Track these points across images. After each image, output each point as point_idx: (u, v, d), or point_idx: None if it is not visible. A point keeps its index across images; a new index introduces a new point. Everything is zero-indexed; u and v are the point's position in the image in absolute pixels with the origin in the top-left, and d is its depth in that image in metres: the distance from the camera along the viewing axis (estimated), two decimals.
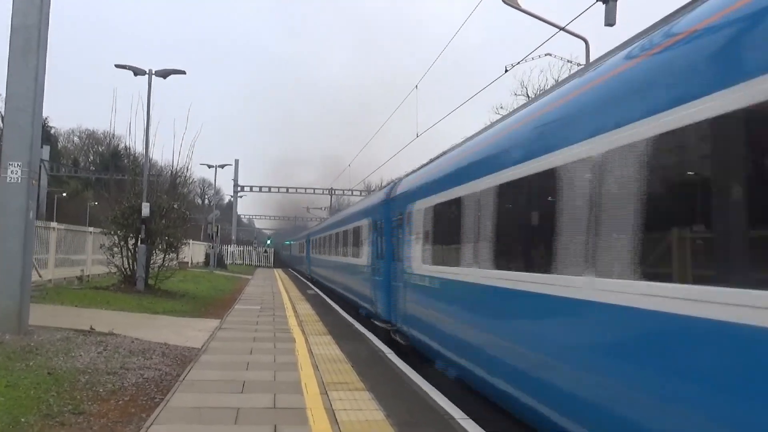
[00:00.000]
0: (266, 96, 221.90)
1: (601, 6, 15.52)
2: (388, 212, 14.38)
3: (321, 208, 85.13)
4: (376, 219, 15.80)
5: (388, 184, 18.17)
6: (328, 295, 25.74)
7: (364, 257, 17.56)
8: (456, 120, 73.39)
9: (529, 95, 40.88)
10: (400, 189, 13.72)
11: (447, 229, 9.40)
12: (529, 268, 6.32)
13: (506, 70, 21.39)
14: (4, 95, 12.10)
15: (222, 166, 54.18)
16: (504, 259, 7.02)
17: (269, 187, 73.42)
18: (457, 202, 8.68)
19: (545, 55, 29.24)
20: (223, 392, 7.72)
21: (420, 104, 24.59)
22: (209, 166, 52.62)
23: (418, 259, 10.96)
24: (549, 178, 5.74)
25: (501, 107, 42.47)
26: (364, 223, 17.77)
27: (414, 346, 11.60)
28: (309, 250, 40.02)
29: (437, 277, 9.70)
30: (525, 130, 6.89)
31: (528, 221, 6.64)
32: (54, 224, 21.56)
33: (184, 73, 23.06)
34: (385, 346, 12.07)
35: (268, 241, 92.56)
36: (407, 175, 14.29)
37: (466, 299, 8.28)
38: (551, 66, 62.87)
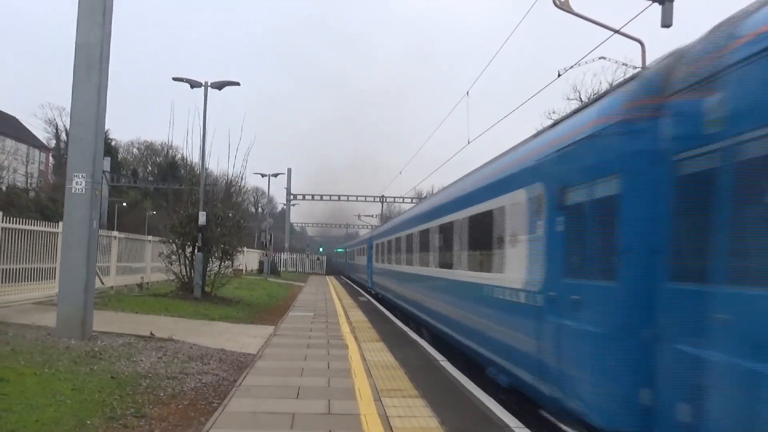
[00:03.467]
0: (314, 104, 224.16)
1: (658, 7, 15.17)
2: (371, 242, 32.96)
3: (372, 216, 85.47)
4: (368, 244, 34.29)
5: (373, 228, 42.33)
6: (381, 304, 25.83)
7: (365, 260, 36.50)
8: (508, 125, 72.75)
9: (582, 99, 40.19)
10: (373, 234, 34.54)
11: (382, 251, 26.35)
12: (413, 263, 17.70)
13: (559, 75, 21.07)
14: (68, 110, 12.56)
15: (275, 175, 54.97)
16: (402, 260, 20.23)
17: (321, 195, 74.13)
18: (384, 242, 26.05)
19: (599, 58, 28.55)
20: (278, 398, 7.82)
21: (471, 111, 24.44)
22: (262, 176, 53.43)
23: (375, 260, 29.47)
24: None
25: (553, 112, 41.88)
26: (365, 246, 37.29)
27: (378, 296, 28.60)
28: (347, 257, 59.76)
29: (381, 267, 26.74)
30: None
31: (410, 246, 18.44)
32: (115, 233, 22.26)
33: (238, 84, 23.50)
34: (438, 354, 12.04)
35: (320, 249, 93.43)
36: (380, 226, 37.82)
37: (389, 275, 23.51)
38: (605, 69, 61.62)
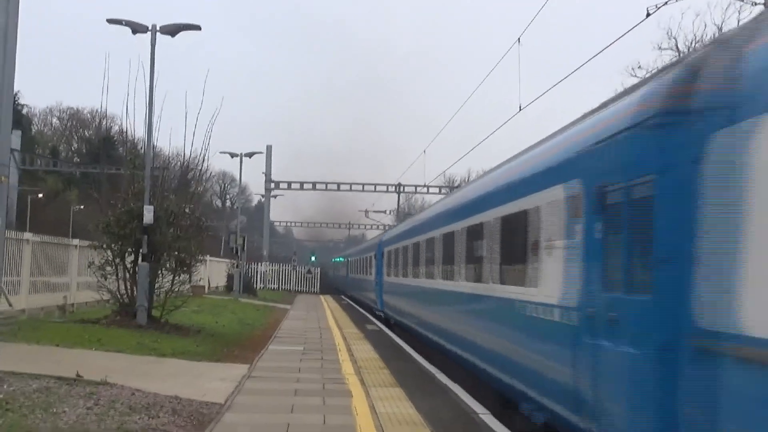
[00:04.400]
0: (305, 68, 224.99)
1: None
2: (348, 259, 70.29)
3: (385, 212, 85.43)
4: (346, 260, 70.95)
5: (345, 255, 77.95)
6: (398, 334, 25.85)
7: (344, 271, 72.43)
8: (573, 87, 72.12)
9: (679, 49, 39.96)
10: (346, 253, 78.84)
11: (352, 265, 63.17)
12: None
13: (648, 15, 20.99)
14: None
15: (250, 155, 55.00)
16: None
17: (313, 183, 73.65)
18: (351, 261, 67.39)
19: None
20: None
21: (523, 66, 24.28)
22: (232, 155, 53.50)
23: (349, 272, 67.97)
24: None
25: (638, 66, 41.73)
26: (346, 260, 71.20)
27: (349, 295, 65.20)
28: (337, 270, 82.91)
29: (352, 276, 63.18)
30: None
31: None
32: (28, 235, 22.26)
33: (198, 28, 23.47)
34: (478, 405, 11.97)
35: (313, 258, 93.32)
36: (348, 251, 79.10)
37: (352, 280, 63.96)
38: (712, 6, 61.41)
